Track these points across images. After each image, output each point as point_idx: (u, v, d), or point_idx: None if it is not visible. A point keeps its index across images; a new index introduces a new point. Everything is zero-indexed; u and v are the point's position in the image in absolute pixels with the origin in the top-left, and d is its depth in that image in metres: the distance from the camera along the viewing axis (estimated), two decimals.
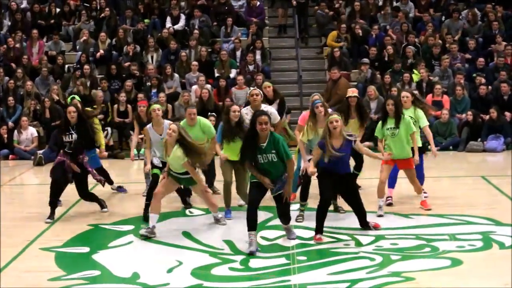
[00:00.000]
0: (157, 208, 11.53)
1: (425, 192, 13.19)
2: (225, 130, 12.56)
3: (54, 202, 12.97)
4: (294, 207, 12.46)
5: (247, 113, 12.94)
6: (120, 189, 15.04)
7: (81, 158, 12.83)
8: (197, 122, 12.71)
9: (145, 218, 12.40)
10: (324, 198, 11.07)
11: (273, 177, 10.51)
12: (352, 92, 13.50)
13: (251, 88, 13.55)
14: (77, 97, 14.71)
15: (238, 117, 12.44)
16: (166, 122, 12.75)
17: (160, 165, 12.54)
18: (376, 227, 11.45)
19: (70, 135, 12.76)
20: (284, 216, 10.88)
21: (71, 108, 12.90)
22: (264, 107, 13.02)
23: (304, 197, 12.47)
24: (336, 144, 10.84)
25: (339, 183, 11.03)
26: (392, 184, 13.22)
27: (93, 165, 13.65)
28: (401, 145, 12.34)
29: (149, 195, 12.34)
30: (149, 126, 12.81)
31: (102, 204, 13.44)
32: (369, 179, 14.58)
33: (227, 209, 12.74)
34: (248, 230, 10.64)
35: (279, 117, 13.26)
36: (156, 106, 12.89)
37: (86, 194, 13.22)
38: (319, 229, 11.15)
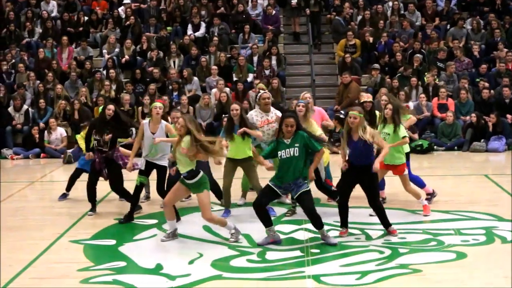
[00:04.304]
0: (170, 215, 11.11)
1: (429, 195, 13.16)
2: (227, 128, 12.46)
3: (92, 199, 13.05)
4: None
5: (256, 115, 12.96)
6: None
7: (113, 152, 12.70)
8: None
9: (130, 218, 12.48)
10: (342, 196, 11.04)
11: (289, 177, 10.40)
12: (367, 97, 13.33)
13: (261, 92, 13.44)
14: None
15: (238, 115, 12.27)
16: (163, 122, 12.50)
17: (143, 168, 12.42)
18: (393, 233, 11.07)
19: (96, 133, 12.61)
20: (312, 215, 10.47)
21: (111, 106, 12.69)
22: (273, 110, 13.04)
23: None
24: (354, 137, 10.70)
25: (361, 175, 10.79)
26: (382, 187, 13.01)
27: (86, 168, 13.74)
28: (391, 151, 11.99)
29: (134, 199, 12.53)
30: (145, 121, 12.56)
31: (135, 204, 12.76)
32: None
33: (226, 209, 12.73)
34: (265, 227, 10.72)
35: None
36: (158, 104, 12.50)
37: (117, 188, 12.89)
38: (343, 224, 11.15)
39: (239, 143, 12.29)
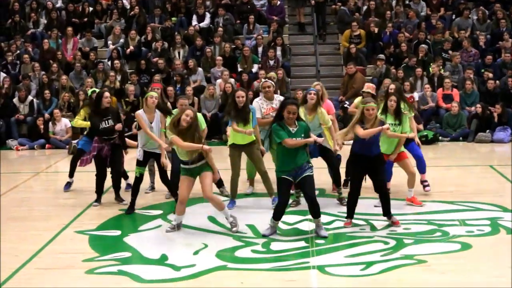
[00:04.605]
0: (182, 211, 11.08)
1: (425, 181, 13.16)
2: (228, 111, 12.41)
3: (99, 191, 13.09)
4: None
5: (261, 103, 12.96)
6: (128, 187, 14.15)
7: (117, 139, 12.85)
8: None
9: (131, 208, 12.51)
10: (355, 187, 11.02)
11: (296, 163, 10.37)
12: (367, 87, 13.29)
13: (263, 80, 13.48)
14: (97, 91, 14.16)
15: (243, 102, 12.21)
16: (158, 112, 12.45)
17: (141, 159, 12.39)
18: (396, 224, 11.09)
19: (106, 121, 12.70)
20: (312, 202, 10.45)
21: (107, 94, 12.81)
22: (277, 97, 13.04)
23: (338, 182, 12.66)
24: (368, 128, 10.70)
25: (369, 165, 10.83)
26: (388, 178, 12.95)
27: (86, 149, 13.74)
28: (391, 140, 12.05)
29: (133, 192, 12.50)
30: (140, 111, 12.44)
31: (119, 195, 13.16)
32: None
33: (231, 200, 12.73)
34: (272, 218, 10.74)
35: None
36: (154, 94, 12.52)
37: (118, 171, 12.99)
38: (349, 215, 11.18)
39: (241, 128, 12.28)
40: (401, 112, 12.09)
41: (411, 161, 12.69)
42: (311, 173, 10.45)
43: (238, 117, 12.23)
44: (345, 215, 11.30)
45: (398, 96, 12.25)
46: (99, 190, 13.08)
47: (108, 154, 12.77)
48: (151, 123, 12.31)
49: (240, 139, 12.34)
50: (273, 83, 13.25)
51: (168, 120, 11.74)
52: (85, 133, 14.05)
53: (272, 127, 10.53)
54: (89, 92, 14.38)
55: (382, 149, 11.48)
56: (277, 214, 10.67)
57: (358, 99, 13.22)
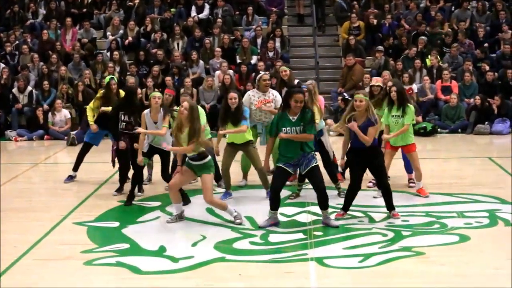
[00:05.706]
0: (176, 198, 11.11)
1: (412, 179, 13.04)
2: (221, 115, 12.40)
3: (123, 179, 13.09)
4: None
5: (253, 95, 12.98)
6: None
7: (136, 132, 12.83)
8: None
9: (129, 200, 12.45)
10: (354, 181, 10.96)
11: (296, 154, 10.34)
12: (377, 81, 13.17)
13: (262, 73, 13.54)
14: (115, 78, 14.39)
15: (236, 104, 12.17)
16: (162, 111, 12.39)
17: (145, 151, 12.33)
18: (395, 216, 11.02)
19: (125, 115, 12.63)
20: (322, 193, 10.44)
21: (139, 90, 12.81)
22: (271, 90, 13.02)
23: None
24: (358, 121, 10.59)
25: (365, 158, 10.77)
26: (409, 170, 13.04)
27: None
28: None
29: (134, 181, 12.53)
30: (146, 111, 12.36)
31: (135, 185, 12.83)
32: None
33: (226, 191, 12.72)
34: (270, 209, 10.73)
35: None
36: (157, 94, 12.46)
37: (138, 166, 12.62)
38: (344, 207, 11.16)
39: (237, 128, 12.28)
40: (406, 103, 12.04)
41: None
42: (317, 164, 10.45)
43: (230, 118, 12.23)
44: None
45: (400, 86, 12.28)
46: (123, 181, 13.09)
47: (129, 148, 12.65)
48: (155, 123, 12.27)
49: (237, 139, 12.40)
50: (269, 76, 13.36)
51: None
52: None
53: (273, 119, 10.54)
54: (108, 78, 14.06)
55: (399, 140, 11.83)
56: (272, 203, 10.63)
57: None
